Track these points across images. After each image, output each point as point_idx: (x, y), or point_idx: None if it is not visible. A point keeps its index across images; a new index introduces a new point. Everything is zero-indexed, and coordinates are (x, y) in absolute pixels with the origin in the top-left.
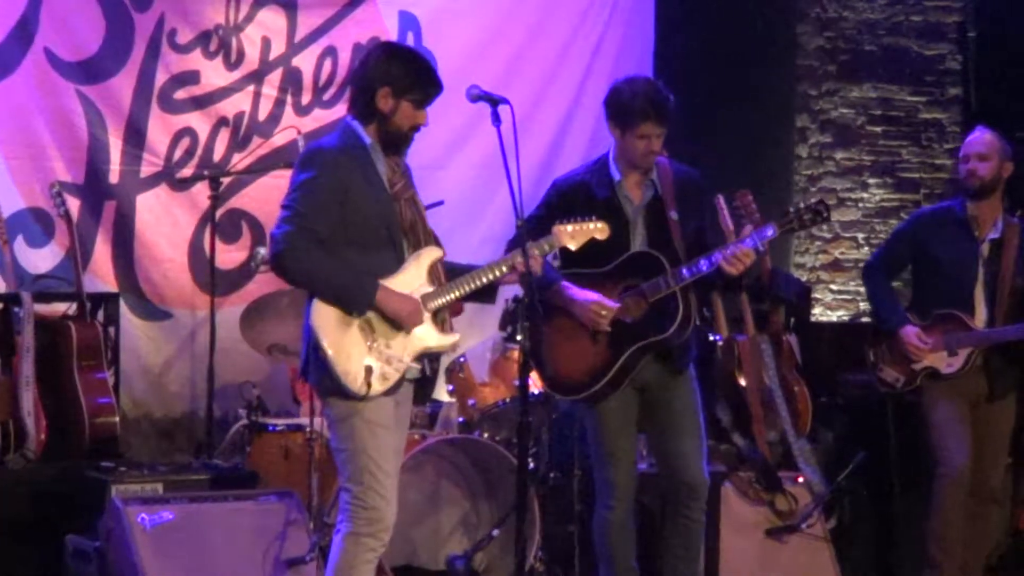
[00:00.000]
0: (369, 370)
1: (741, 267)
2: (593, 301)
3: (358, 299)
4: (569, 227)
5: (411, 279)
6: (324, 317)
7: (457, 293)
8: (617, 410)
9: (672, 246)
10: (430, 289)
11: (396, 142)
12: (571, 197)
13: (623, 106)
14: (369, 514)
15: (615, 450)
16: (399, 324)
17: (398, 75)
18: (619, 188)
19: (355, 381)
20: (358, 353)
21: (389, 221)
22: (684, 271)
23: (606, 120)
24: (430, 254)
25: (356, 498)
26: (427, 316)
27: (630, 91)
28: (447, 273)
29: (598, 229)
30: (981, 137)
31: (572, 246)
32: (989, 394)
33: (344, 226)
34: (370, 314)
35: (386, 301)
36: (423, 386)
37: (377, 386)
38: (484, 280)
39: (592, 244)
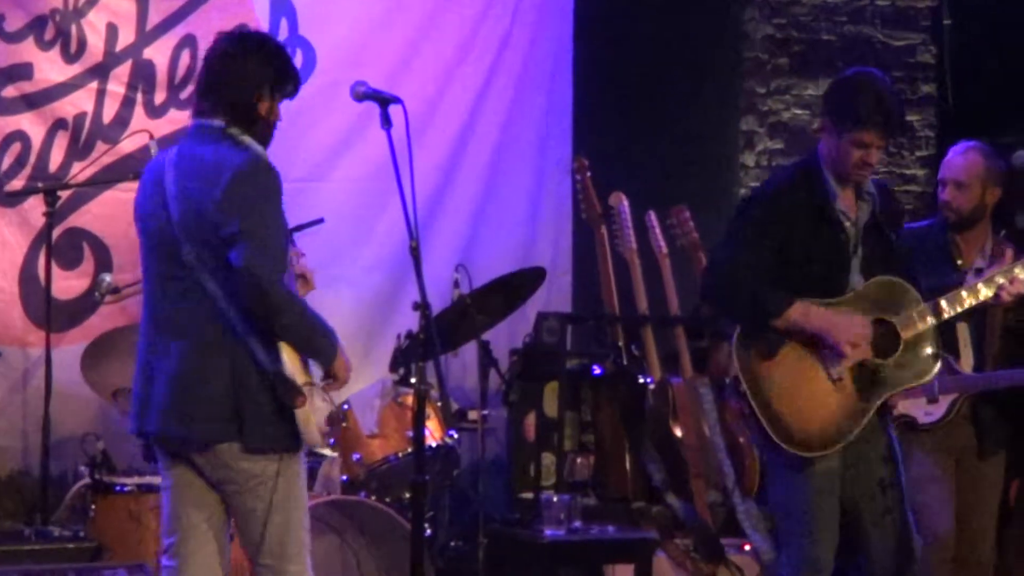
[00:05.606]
0: None
1: (1014, 298)
2: (860, 322)
3: None
4: None
5: None
6: None
7: None
8: (830, 472)
9: (899, 273)
10: None
11: None
12: (792, 214)
13: (844, 102)
14: None
15: (823, 522)
16: None
17: None
18: (836, 203)
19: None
20: None
21: None
22: (944, 303)
23: (823, 115)
24: None
25: None
26: None
27: (856, 86)
28: None
29: None
30: (960, 160)
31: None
32: (978, 449)
33: None
34: None
35: None
36: None
37: None
38: None
39: (805, 271)
